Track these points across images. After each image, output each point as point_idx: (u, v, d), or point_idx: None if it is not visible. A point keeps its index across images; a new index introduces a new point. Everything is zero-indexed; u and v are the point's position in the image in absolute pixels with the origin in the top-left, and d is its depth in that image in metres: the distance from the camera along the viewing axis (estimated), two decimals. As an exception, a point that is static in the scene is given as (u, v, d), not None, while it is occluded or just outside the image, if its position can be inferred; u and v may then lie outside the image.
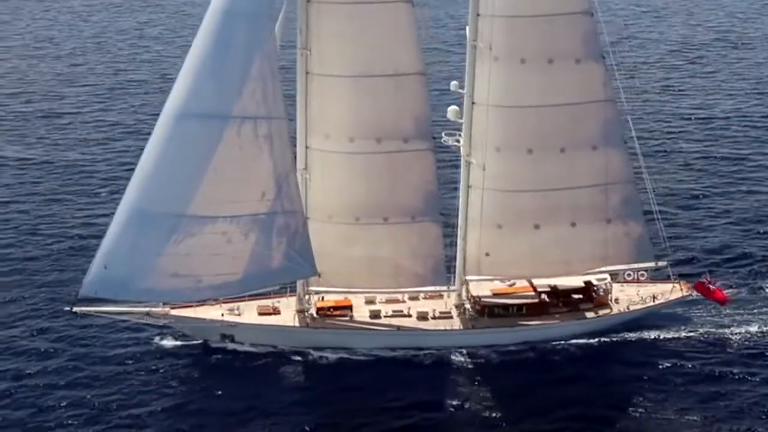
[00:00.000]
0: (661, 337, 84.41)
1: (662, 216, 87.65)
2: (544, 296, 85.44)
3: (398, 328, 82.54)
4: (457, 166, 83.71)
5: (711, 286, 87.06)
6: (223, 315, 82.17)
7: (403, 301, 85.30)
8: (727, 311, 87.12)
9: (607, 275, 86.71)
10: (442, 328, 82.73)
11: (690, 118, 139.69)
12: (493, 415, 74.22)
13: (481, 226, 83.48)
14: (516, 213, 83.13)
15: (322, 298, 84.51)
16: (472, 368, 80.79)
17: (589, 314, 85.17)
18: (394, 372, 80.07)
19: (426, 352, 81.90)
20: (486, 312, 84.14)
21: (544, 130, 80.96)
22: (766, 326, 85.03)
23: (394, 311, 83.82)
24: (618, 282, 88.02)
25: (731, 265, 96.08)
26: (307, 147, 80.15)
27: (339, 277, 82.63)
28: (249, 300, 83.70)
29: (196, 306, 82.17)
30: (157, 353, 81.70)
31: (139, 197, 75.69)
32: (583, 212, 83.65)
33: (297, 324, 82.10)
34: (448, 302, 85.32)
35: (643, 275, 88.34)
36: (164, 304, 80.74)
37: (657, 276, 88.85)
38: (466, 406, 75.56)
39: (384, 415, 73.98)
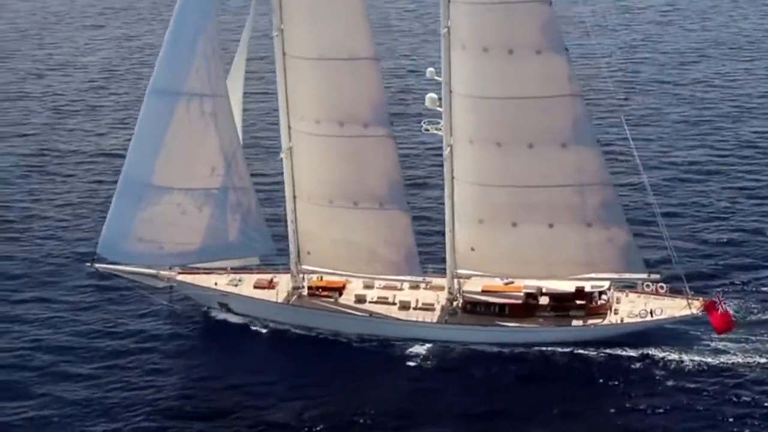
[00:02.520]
0: (653, 355, 78.24)
1: (681, 225, 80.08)
2: (531, 299, 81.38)
3: (370, 314, 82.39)
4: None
5: (720, 307, 78.77)
6: (216, 284, 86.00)
7: (401, 289, 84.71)
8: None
9: (606, 283, 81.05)
10: (414, 319, 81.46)
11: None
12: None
13: (464, 220, 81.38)
14: (492, 208, 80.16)
15: (321, 278, 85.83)
16: (443, 363, 79.31)
17: (576, 322, 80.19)
18: (356, 357, 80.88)
19: (403, 342, 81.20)
20: (468, 308, 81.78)
21: (510, 123, 77.36)
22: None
23: (379, 298, 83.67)
24: (636, 292, 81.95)
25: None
26: (289, 127, 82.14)
27: (324, 259, 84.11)
28: (256, 273, 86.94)
29: (203, 273, 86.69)
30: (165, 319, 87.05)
31: (125, 165, 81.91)
32: (559, 213, 79.07)
33: (279, 300, 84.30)
34: (442, 295, 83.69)
35: (662, 287, 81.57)
36: (170, 268, 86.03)
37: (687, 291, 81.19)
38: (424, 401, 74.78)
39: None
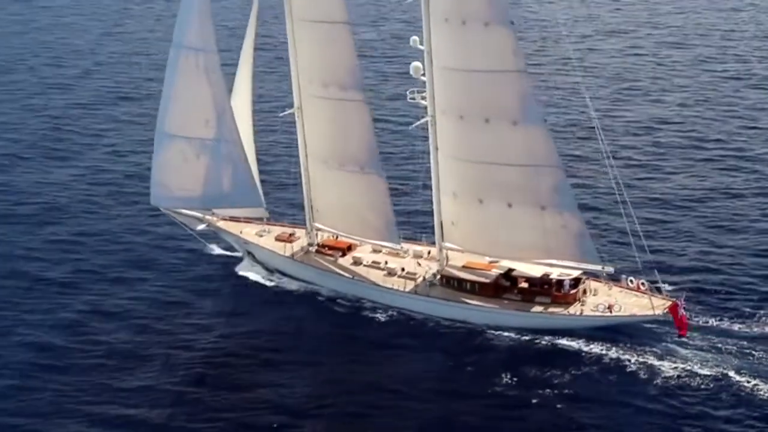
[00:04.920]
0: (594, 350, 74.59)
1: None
2: (504, 280, 79.57)
3: (353, 276, 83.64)
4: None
5: (681, 310, 73.60)
6: (241, 232, 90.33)
7: (403, 257, 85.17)
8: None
9: (575, 272, 77.67)
10: (388, 286, 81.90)
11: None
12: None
13: (444, 192, 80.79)
14: (462, 182, 79.15)
15: (337, 237, 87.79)
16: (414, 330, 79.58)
17: (537, 309, 77.48)
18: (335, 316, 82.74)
19: (383, 307, 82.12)
20: (444, 282, 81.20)
21: (469, 96, 75.97)
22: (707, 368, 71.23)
23: (373, 262, 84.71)
24: (620, 286, 77.96)
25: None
26: (300, 87, 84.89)
27: (326, 218, 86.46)
28: (288, 227, 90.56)
29: (242, 222, 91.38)
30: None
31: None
32: (515, 193, 76.76)
33: (286, 254, 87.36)
34: (434, 267, 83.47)
35: (643, 284, 76.97)
36: (213, 214, 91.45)
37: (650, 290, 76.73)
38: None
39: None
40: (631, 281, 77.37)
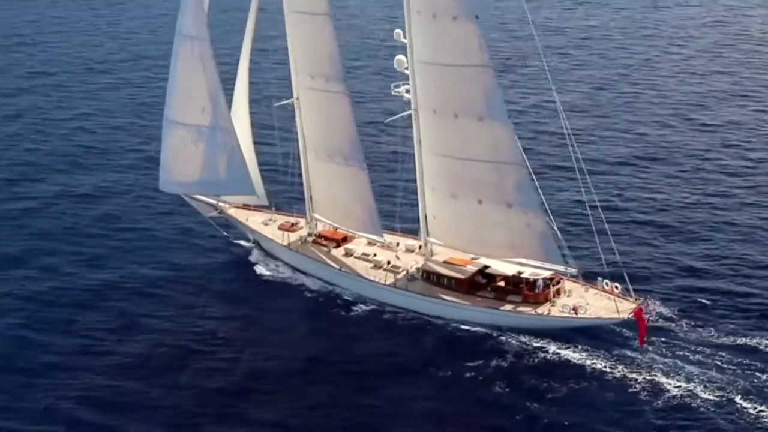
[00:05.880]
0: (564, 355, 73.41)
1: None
2: (480, 277, 79.17)
3: (340, 268, 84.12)
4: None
5: (645, 316, 72.29)
6: (247, 220, 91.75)
7: (395, 250, 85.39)
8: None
9: (545, 272, 76.74)
10: (370, 278, 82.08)
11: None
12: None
13: (426, 186, 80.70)
14: (437, 177, 78.91)
15: (336, 229, 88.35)
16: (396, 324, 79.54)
17: (506, 307, 76.78)
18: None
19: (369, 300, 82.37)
20: (425, 277, 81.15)
21: (440, 90, 75.75)
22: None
23: (362, 254, 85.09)
24: (596, 289, 76.80)
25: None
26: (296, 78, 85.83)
27: (320, 208, 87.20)
28: (296, 216, 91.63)
29: (251, 210, 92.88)
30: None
31: None
32: (484, 189, 76.18)
33: (282, 242, 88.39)
34: (421, 261, 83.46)
35: (617, 287, 75.63)
36: (224, 201, 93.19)
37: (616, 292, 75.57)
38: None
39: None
40: (607, 284, 75.88)
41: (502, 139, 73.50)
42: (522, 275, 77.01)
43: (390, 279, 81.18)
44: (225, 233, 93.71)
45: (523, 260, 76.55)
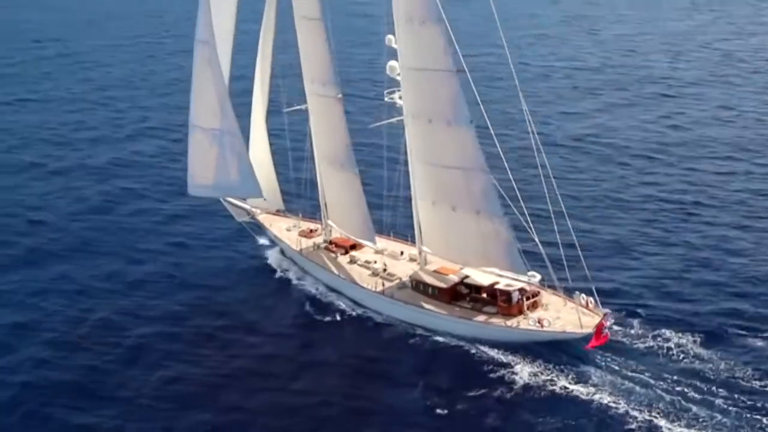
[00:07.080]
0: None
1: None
2: (461, 286, 78.30)
3: (338, 274, 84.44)
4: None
5: (605, 330, 70.33)
6: (270, 225, 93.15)
7: (399, 259, 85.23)
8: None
9: (518, 283, 75.29)
10: (362, 285, 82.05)
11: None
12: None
13: (415, 194, 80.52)
14: (420, 183, 78.54)
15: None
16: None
17: (478, 318, 75.61)
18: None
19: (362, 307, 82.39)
20: (413, 285, 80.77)
21: (418, 96, 75.56)
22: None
23: (365, 261, 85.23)
24: (573, 303, 74.80)
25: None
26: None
27: (332, 214, 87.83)
28: (318, 223, 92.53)
29: (279, 215, 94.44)
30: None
31: None
32: (456, 196, 75.41)
33: (296, 247, 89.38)
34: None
35: (591, 301, 73.65)
36: (255, 206, 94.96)
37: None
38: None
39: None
40: (584, 297, 73.68)
41: (466, 145, 72.66)
42: (496, 286, 75.40)
43: (374, 285, 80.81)
44: (256, 237, 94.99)
45: (495, 269, 74.93)
